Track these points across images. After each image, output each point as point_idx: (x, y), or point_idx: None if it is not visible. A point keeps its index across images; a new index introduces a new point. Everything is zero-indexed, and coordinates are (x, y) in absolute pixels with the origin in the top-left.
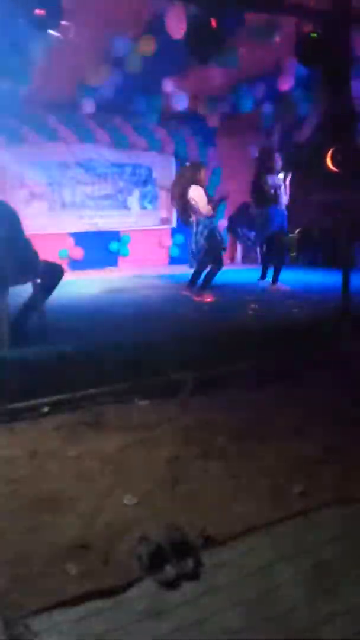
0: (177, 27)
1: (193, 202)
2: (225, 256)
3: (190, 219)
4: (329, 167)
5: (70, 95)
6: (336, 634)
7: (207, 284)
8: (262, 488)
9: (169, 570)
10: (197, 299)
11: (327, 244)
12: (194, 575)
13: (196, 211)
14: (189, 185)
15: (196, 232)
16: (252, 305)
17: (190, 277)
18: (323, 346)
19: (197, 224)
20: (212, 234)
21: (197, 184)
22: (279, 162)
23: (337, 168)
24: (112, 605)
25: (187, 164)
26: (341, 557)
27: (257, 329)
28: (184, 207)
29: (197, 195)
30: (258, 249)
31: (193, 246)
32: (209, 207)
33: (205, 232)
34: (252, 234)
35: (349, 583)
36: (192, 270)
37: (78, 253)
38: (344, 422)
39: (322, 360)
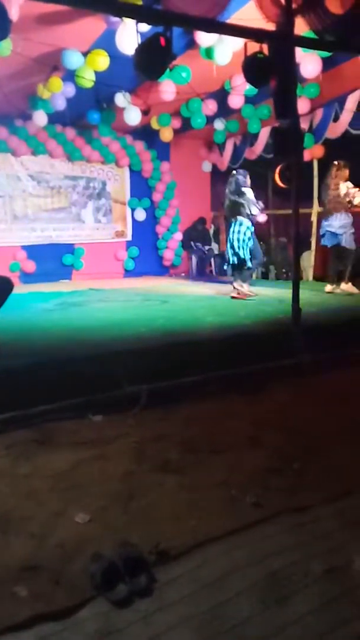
0: (127, 43)
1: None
2: (181, 269)
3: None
4: (277, 184)
5: (21, 107)
6: None
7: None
8: (216, 500)
9: (121, 588)
10: (240, 296)
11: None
12: (146, 592)
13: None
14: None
15: (238, 230)
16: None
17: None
18: (278, 357)
19: (240, 224)
20: (252, 234)
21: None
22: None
23: (285, 184)
24: (64, 628)
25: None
26: (292, 566)
27: (212, 340)
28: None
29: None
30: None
31: (235, 244)
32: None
33: (249, 232)
34: (206, 248)
35: (299, 592)
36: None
37: (30, 266)
38: (298, 432)
39: (277, 371)
